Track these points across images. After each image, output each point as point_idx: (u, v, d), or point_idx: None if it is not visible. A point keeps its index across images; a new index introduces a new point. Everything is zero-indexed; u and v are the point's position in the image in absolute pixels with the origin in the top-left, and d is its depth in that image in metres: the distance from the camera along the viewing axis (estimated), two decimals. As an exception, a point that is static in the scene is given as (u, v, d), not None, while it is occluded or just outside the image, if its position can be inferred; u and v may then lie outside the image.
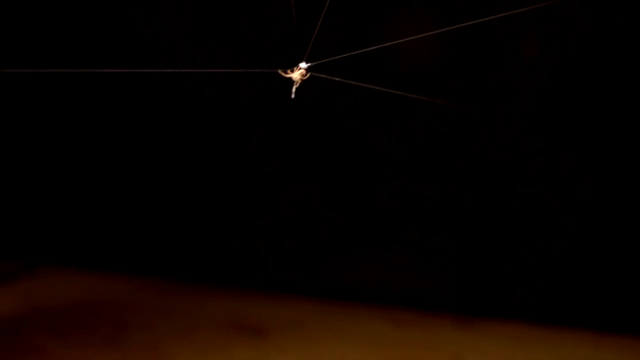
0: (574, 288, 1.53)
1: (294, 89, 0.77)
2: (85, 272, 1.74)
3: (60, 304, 1.60)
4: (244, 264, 1.69)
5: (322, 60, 0.71)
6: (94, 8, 1.69)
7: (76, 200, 1.77)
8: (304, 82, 0.75)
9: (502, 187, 1.54)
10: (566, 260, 1.53)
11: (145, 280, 1.70)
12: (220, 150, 1.68)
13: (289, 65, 0.75)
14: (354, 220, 1.61)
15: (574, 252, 1.53)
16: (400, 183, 1.58)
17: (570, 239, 1.53)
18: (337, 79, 0.76)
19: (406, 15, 1.50)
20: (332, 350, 1.40)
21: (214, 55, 1.61)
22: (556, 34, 1.47)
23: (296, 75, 0.75)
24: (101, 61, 1.67)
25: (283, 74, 0.75)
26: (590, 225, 1.52)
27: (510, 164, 1.53)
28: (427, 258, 1.58)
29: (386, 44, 0.79)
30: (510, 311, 1.55)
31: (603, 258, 1.52)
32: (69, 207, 1.78)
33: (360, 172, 1.60)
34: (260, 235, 1.67)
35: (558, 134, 1.51)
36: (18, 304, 1.59)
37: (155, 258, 1.74)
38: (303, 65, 0.75)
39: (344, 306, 1.57)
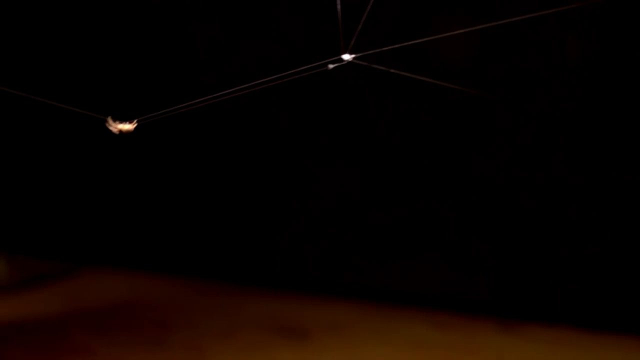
0: (618, 292, 1.52)
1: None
2: (128, 272, 1.76)
3: (104, 303, 1.61)
4: (286, 265, 1.69)
5: (367, 52, 0.70)
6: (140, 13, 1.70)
7: (121, 202, 1.79)
8: (343, 76, 0.74)
9: (546, 188, 1.53)
10: (610, 264, 1.52)
11: (188, 281, 1.71)
12: (261, 150, 1.68)
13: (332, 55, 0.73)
14: (396, 223, 1.61)
15: (619, 255, 1.51)
16: (443, 184, 1.58)
17: (614, 242, 1.51)
18: (391, 69, 0.74)
19: (447, 8, 1.49)
20: (373, 352, 1.39)
21: (253, 50, 1.61)
22: (599, 29, 1.45)
23: (121, 127, 0.73)
24: (138, 64, 1.68)
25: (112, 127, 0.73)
26: (636, 228, 1.50)
27: (554, 165, 1.52)
28: (469, 261, 1.57)
29: (434, 37, 0.78)
30: (553, 315, 1.53)
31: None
32: (113, 208, 1.80)
33: (402, 174, 1.59)
34: (302, 237, 1.67)
35: (604, 134, 1.49)
36: (62, 303, 1.60)
37: (198, 259, 1.75)
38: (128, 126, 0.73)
39: (385, 309, 1.57)
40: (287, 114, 1.64)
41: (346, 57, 0.71)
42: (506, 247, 1.56)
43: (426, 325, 1.50)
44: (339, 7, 0.66)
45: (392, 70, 0.73)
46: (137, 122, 0.72)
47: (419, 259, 1.60)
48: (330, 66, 0.70)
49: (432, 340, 1.45)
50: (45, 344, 1.42)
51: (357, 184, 1.62)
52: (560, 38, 1.46)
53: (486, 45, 1.47)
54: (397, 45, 0.72)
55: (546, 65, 1.48)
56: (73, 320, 1.52)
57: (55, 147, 1.82)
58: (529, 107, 1.50)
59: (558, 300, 1.55)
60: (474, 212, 1.57)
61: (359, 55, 0.68)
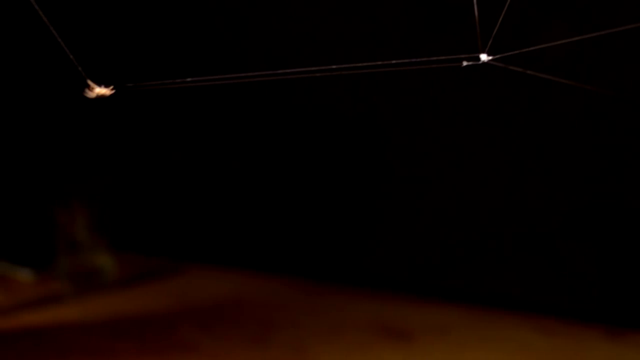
0: None
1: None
2: (234, 270, 1.78)
3: (210, 301, 1.64)
4: (391, 267, 1.69)
5: (506, 54, 0.68)
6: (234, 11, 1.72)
7: (228, 201, 1.81)
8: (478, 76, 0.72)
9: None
10: None
11: (293, 281, 1.72)
12: (373, 149, 1.68)
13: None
14: (503, 227, 1.59)
15: None
16: (552, 189, 1.55)
17: None
18: (528, 70, 0.73)
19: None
20: (478, 356, 1.38)
21: (376, 49, 1.60)
22: None
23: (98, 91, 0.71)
24: (242, 64, 1.70)
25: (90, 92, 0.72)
26: None
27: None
28: (577, 267, 1.54)
29: (575, 38, 0.76)
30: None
31: None
32: (221, 207, 1.82)
33: (511, 178, 1.57)
34: (409, 239, 1.66)
35: None
36: (170, 300, 1.64)
37: (304, 259, 1.76)
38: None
39: (490, 313, 1.55)
40: (400, 112, 1.64)
41: (483, 57, 0.70)
42: (615, 253, 1.52)
43: (532, 330, 1.48)
44: (475, 7, 0.65)
45: (529, 72, 0.72)
46: (113, 88, 0.71)
47: (526, 264, 1.58)
48: (465, 63, 0.68)
49: (538, 346, 1.42)
50: (153, 338, 1.45)
51: (466, 186, 1.61)
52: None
53: (618, 45, 1.44)
54: (538, 47, 0.71)
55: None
56: (180, 317, 1.55)
57: (165, 145, 1.85)
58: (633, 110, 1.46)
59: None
60: (582, 217, 1.54)
61: (497, 56, 0.67)
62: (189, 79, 0.72)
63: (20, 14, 1.77)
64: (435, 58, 0.68)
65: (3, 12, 1.81)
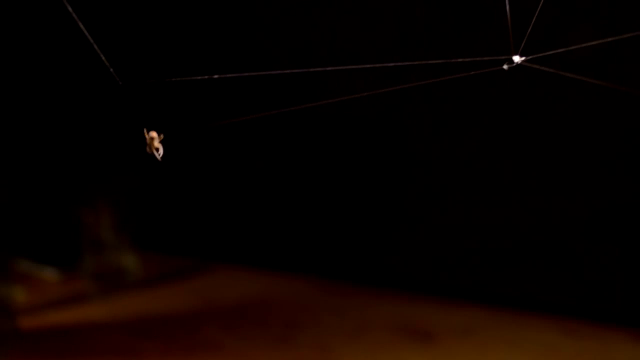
0: None
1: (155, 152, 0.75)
2: (258, 270, 1.78)
3: (234, 301, 1.64)
4: (416, 268, 1.68)
5: (540, 54, 0.68)
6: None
7: (252, 202, 1.82)
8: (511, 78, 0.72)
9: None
10: None
11: (317, 281, 1.72)
12: (393, 150, 1.68)
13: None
14: (530, 229, 1.58)
15: None
16: (576, 190, 1.54)
17: None
18: (561, 72, 0.72)
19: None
20: (502, 358, 1.38)
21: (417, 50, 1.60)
22: None
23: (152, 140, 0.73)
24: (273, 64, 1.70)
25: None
26: None
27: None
28: (603, 268, 1.53)
29: (607, 39, 0.75)
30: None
31: None
32: (245, 207, 1.83)
33: (536, 178, 1.57)
34: (433, 240, 1.66)
35: None
36: (194, 300, 1.64)
37: (328, 259, 1.76)
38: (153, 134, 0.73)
39: (515, 314, 1.54)
40: (424, 112, 1.64)
41: (516, 59, 0.69)
42: (639, 255, 1.51)
43: (557, 332, 1.47)
44: (507, 7, 0.64)
45: (563, 73, 0.71)
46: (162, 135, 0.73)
47: (552, 266, 1.57)
48: (506, 67, 0.68)
49: (563, 348, 1.42)
50: (176, 337, 1.46)
51: (490, 187, 1.60)
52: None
53: None
54: (571, 48, 0.70)
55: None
56: (203, 316, 1.55)
57: (190, 143, 1.86)
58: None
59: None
60: (606, 218, 1.53)
61: (529, 57, 0.66)
62: (215, 76, 0.72)
63: (50, 15, 1.78)
64: (468, 60, 0.67)
65: (30, 14, 1.82)
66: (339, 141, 1.72)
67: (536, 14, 0.63)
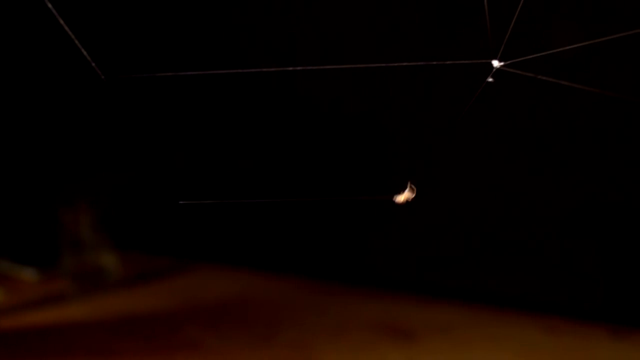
0: None
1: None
2: (238, 269, 1.78)
3: (215, 300, 1.64)
4: (396, 266, 1.69)
5: (519, 59, 0.68)
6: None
7: (233, 201, 1.81)
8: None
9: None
10: None
11: (297, 280, 1.72)
12: (375, 149, 1.68)
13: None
14: (508, 226, 1.59)
15: None
16: (554, 187, 1.55)
17: None
18: (539, 76, 0.72)
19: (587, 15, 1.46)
20: (482, 355, 1.38)
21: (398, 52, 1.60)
22: None
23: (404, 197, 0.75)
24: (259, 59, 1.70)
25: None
26: None
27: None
28: (581, 266, 1.54)
29: (578, 45, 0.76)
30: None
31: None
32: (226, 206, 1.82)
33: (515, 176, 1.57)
34: (413, 239, 1.66)
35: None
36: (175, 299, 1.64)
37: (308, 258, 1.76)
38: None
39: (495, 312, 1.55)
40: (406, 111, 1.64)
41: (495, 63, 0.69)
42: (619, 252, 1.52)
43: (536, 329, 1.48)
44: (486, 11, 0.64)
45: (540, 77, 0.71)
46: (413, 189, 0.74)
47: (530, 263, 1.58)
48: (490, 79, 0.68)
49: (543, 345, 1.42)
50: (156, 337, 1.45)
51: (469, 186, 1.61)
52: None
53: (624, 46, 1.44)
54: (550, 52, 0.71)
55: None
56: (184, 315, 1.55)
57: (171, 142, 1.85)
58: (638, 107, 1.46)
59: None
60: (585, 215, 1.54)
61: (507, 62, 0.66)
62: (201, 72, 0.72)
63: (30, 11, 1.77)
64: (449, 62, 0.68)
65: (10, 9, 1.81)
66: (322, 140, 1.72)
67: (514, 20, 0.63)
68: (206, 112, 1.80)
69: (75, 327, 1.51)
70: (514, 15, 0.66)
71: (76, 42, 0.64)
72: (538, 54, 0.69)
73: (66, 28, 0.65)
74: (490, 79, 0.69)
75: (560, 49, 0.74)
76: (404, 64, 0.71)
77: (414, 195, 0.74)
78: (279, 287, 1.70)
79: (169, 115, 1.84)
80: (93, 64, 0.66)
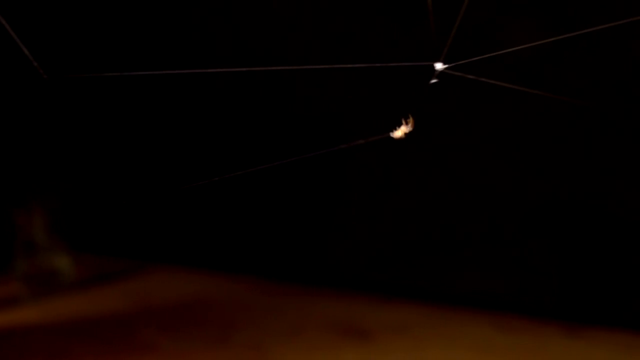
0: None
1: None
2: (193, 271, 1.78)
3: (170, 302, 1.63)
4: (350, 267, 1.69)
5: (462, 62, 0.68)
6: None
7: (187, 202, 1.81)
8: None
9: (612, 189, 1.51)
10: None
11: (253, 281, 1.72)
12: (329, 150, 1.69)
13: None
14: (461, 225, 1.60)
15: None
16: (505, 184, 1.56)
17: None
18: (482, 78, 0.73)
19: (528, 18, 1.47)
20: (437, 354, 1.39)
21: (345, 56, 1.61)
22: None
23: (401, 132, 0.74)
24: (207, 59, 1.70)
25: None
26: None
27: (619, 166, 1.50)
28: (534, 264, 1.56)
29: (522, 46, 0.76)
30: (621, 319, 1.51)
31: None
32: (181, 208, 1.82)
33: (465, 176, 1.58)
34: (367, 238, 1.67)
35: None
36: (129, 301, 1.63)
37: (263, 259, 1.76)
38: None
39: (449, 310, 1.56)
40: (356, 117, 1.65)
41: (439, 66, 0.69)
42: (572, 250, 1.54)
43: (491, 327, 1.49)
44: (431, 15, 0.65)
45: (483, 80, 0.72)
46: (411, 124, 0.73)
47: (484, 262, 1.59)
48: (433, 80, 0.69)
49: (497, 342, 1.44)
50: (111, 340, 1.44)
51: (423, 187, 1.62)
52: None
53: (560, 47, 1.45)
54: (494, 54, 0.71)
55: (618, 67, 1.46)
56: (139, 318, 1.54)
57: (126, 143, 1.84)
58: (594, 109, 1.48)
59: (626, 304, 1.52)
60: (540, 214, 1.55)
61: (451, 65, 0.67)
62: (138, 73, 0.72)
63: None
64: (393, 64, 0.68)
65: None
66: (275, 140, 1.72)
67: (457, 23, 0.63)
68: (157, 111, 1.79)
69: (28, 330, 1.49)
70: (459, 18, 0.67)
71: (17, 41, 0.64)
72: (480, 57, 0.70)
73: (7, 27, 0.64)
74: (435, 80, 0.69)
75: (503, 52, 0.75)
76: (349, 65, 0.71)
77: (411, 130, 0.73)
78: (235, 288, 1.70)
79: (121, 115, 1.83)
80: (35, 64, 0.65)
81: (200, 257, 1.80)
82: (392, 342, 1.43)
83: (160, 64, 1.71)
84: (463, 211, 1.60)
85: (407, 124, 0.74)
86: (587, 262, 1.53)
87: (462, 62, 0.67)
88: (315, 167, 1.70)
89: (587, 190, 1.52)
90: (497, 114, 1.54)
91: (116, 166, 1.86)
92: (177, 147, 1.79)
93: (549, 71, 1.48)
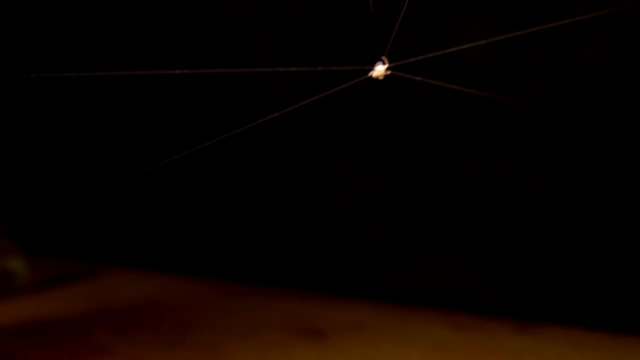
0: (635, 294, 1.52)
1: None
2: (148, 272, 1.77)
3: (124, 303, 1.62)
4: (304, 266, 1.70)
5: (403, 62, 0.69)
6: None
7: (142, 203, 1.80)
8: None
9: (563, 190, 1.53)
10: (628, 265, 1.52)
11: (207, 282, 1.72)
12: (281, 151, 1.69)
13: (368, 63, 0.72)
14: (415, 225, 1.61)
15: (636, 256, 1.51)
16: (460, 185, 1.58)
17: (632, 243, 1.51)
18: (419, 78, 0.74)
19: (479, 17, 1.49)
20: (392, 353, 1.40)
21: (289, 54, 1.61)
22: (618, 36, 1.46)
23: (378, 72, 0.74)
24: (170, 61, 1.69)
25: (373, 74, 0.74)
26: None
27: (571, 167, 1.52)
28: (487, 262, 1.58)
29: (467, 45, 0.77)
30: (570, 316, 1.53)
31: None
32: (135, 209, 1.81)
33: (420, 177, 1.60)
34: (320, 238, 1.68)
35: (622, 136, 1.49)
36: (83, 303, 1.62)
37: (218, 260, 1.76)
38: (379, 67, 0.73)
39: (403, 309, 1.58)
40: (308, 117, 1.65)
41: (380, 67, 0.70)
42: (523, 249, 1.56)
43: (445, 326, 1.51)
44: (372, 15, 0.66)
45: (427, 80, 0.73)
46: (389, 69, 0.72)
47: (437, 260, 1.60)
48: (373, 74, 0.69)
49: (451, 341, 1.45)
50: (65, 343, 1.43)
51: (376, 186, 1.63)
52: (582, 42, 1.46)
53: (507, 47, 1.47)
54: (435, 54, 0.72)
55: (566, 68, 1.49)
56: (93, 320, 1.53)
57: (78, 144, 1.83)
58: (548, 109, 1.50)
59: (575, 302, 1.55)
60: (491, 214, 1.57)
61: (392, 65, 0.68)
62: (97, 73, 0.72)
63: None
64: (333, 68, 0.69)
65: None
66: (229, 141, 1.72)
67: (397, 24, 0.64)
68: (113, 112, 1.78)
69: (-19, 334, 1.48)
70: (402, 18, 0.68)
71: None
72: (421, 57, 0.71)
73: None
74: (373, 74, 0.70)
75: (443, 51, 0.76)
76: (292, 68, 0.72)
77: (388, 69, 0.73)
78: (189, 289, 1.70)
79: (77, 116, 1.82)
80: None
81: (154, 258, 1.80)
82: (348, 341, 1.44)
83: (119, 64, 1.71)
84: (415, 210, 1.61)
85: (384, 63, 0.74)
86: (537, 260, 1.55)
87: (404, 62, 0.68)
88: (268, 168, 1.70)
89: (537, 190, 1.54)
90: (456, 116, 1.55)
91: (66, 165, 1.84)
92: (126, 149, 1.79)
93: (497, 71, 1.50)
